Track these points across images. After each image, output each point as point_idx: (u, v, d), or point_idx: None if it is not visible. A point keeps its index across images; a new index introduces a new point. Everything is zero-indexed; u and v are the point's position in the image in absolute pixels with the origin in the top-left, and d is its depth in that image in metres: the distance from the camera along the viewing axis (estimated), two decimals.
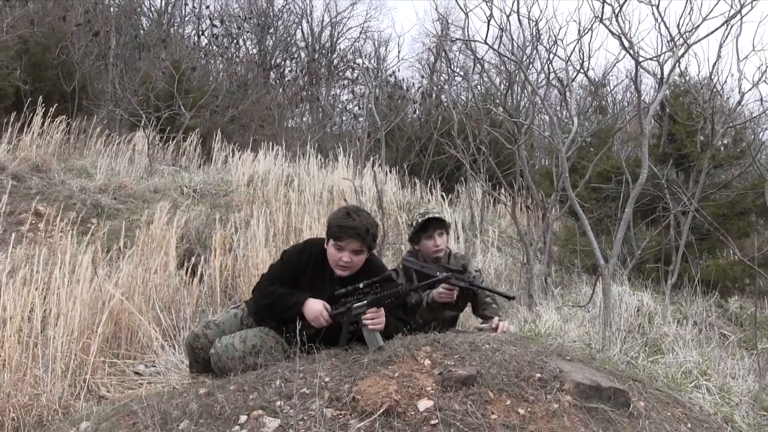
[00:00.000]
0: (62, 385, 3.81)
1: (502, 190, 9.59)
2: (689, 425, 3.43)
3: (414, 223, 4.71)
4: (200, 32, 21.84)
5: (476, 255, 8.03)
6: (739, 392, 4.77)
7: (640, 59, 6.11)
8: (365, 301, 3.66)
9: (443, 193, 11.58)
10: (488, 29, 7.49)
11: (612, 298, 5.51)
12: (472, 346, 3.53)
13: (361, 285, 3.71)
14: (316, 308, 3.72)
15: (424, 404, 3.06)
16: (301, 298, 3.78)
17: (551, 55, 7.76)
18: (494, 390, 3.18)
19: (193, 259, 5.95)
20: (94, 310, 4.52)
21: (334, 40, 26.74)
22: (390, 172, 12.03)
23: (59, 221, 6.03)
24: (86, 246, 4.98)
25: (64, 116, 10.78)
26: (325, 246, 3.92)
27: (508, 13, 7.68)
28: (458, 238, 7.93)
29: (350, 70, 24.64)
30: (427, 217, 4.68)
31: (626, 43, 6.18)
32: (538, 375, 3.33)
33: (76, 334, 4.18)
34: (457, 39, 12.48)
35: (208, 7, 22.95)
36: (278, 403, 3.12)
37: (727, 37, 7.03)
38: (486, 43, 7.21)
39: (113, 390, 4.12)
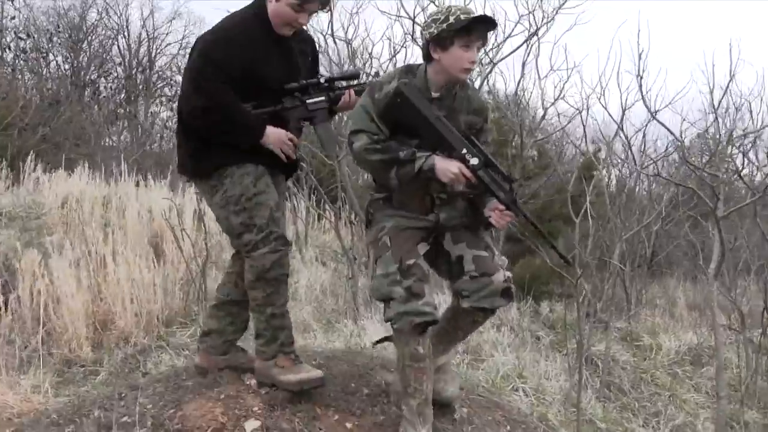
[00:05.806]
0: None
1: (326, 207, 9.65)
2: (508, 427, 3.61)
3: (453, 19, 2.85)
4: (4, 46, 20.53)
5: (302, 271, 8.03)
6: (552, 391, 5.08)
7: None
8: (322, 98, 3.25)
9: None
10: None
11: None
12: None
13: (322, 80, 3.27)
14: (279, 136, 3.19)
15: (251, 425, 3.05)
16: (259, 124, 3.16)
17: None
18: (321, 406, 3.22)
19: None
20: None
21: (152, 56, 25.94)
22: None
23: None
24: None
25: None
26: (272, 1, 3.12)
27: (324, 34, 7.77)
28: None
29: (169, 86, 24.01)
30: (474, 15, 2.88)
31: None
32: (366, 390, 3.41)
33: None
34: None
35: (13, 18, 21.58)
36: None
37: (528, 55, 7.46)
38: None
39: None
